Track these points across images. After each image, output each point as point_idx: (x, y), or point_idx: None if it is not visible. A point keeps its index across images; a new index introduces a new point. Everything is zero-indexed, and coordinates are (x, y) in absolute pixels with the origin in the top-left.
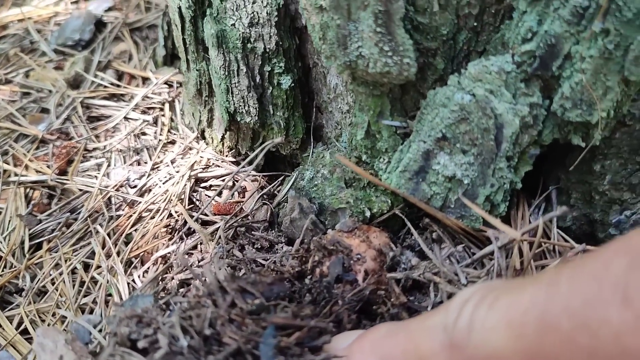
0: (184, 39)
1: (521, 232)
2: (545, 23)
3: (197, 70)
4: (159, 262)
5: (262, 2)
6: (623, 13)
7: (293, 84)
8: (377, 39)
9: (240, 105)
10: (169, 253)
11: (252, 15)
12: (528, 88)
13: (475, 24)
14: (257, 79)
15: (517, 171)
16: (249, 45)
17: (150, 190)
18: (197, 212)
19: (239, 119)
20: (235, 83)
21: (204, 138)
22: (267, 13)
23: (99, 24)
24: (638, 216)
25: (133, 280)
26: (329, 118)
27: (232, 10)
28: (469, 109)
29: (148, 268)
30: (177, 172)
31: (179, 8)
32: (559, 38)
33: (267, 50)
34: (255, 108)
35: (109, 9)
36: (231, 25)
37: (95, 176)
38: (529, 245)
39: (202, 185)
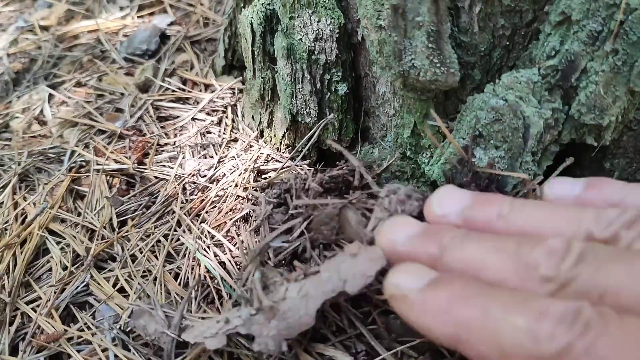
0: (252, 50)
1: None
2: (566, 43)
3: (262, 77)
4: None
5: (326, 20)
6: (629, 36)
7: (347, 91)
8: (428, 52)
9: (302, 108)
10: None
11: (317, 31)
12: (551, 96)
13: (507, 42)
14: (318, 85)
15: (539, 165)
16: (313, 57)
17: (218, 180)
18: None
19: (299, 119)
20: (299, 88)
21: (262, 137)
22: (330, 30)
23: (163, 36)
24: None
25: (219, 247)
26: (375, 121)
27: (300, 27)
28: (502, 111)
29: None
30: (242, 164)
31: (251, 24)
32: (577, 55)
33: (328, 61)
34: (315, 110)
35: (171, 23)
36: (299, 39)
37: (170, 167)
38: None
39: (263, 176)
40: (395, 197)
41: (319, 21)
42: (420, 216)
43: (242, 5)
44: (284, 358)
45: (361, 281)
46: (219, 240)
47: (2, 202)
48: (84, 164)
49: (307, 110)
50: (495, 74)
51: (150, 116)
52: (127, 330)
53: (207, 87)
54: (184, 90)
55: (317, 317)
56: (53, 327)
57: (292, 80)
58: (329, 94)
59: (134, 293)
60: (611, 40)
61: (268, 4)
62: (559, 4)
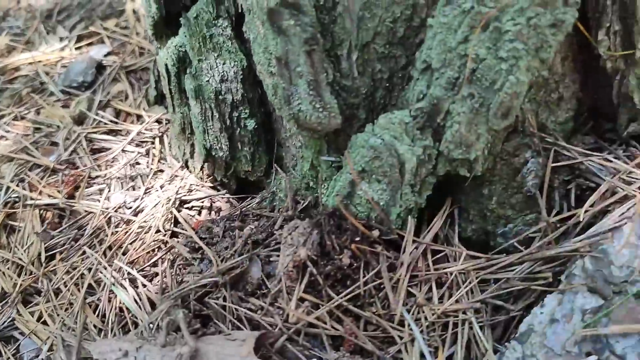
0: (169, 89)
1: (428, 239)
2: (431, 88)
3: (181, 112)
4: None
5: (230, 63)
6: (482, 82)
7: (256, 126)
8: (310, 99)
9: (214, 143)
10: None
11: (222, 73)
12: (422, 134)
13: (387, 84)
14: (228, 122)
15: (420, 195)
16: (220, 97)
17: (142, 210)
18: (182, 229)
19: (214, 153)
20: (210, 126)
21: (187, 167)
22: (234, 72)
23: (100, 67)
24: (518, 228)
25: (133, 280)
26: (287, 151)
27: (207, 69)
28: (380, 149)
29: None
30: (166, 196)
31: (166, 64)
32: (440, 99)
33: (235, 100)
34: (227, 145)
35: (108, 54)
36: (206, 81)
37: (98, 200)
38: (431, 250)
39: (186, 206)
40: (296, 233)
41: (224, 64)
42: (321, 244)
43: (159, 46)
44: None
45: None
46: (134, 276)
47: None
48: (17, 199)
49: (219, 145)
50: (381, 112)
51: (84, 149)
52: None
53: (138, 118)
54: (116, 122)
55: None
56: None
57: (203, 118)
58: (239, 129)
59: (56, 326)
60: (466, 85)
61: (181, 47)
62: (422, 53)
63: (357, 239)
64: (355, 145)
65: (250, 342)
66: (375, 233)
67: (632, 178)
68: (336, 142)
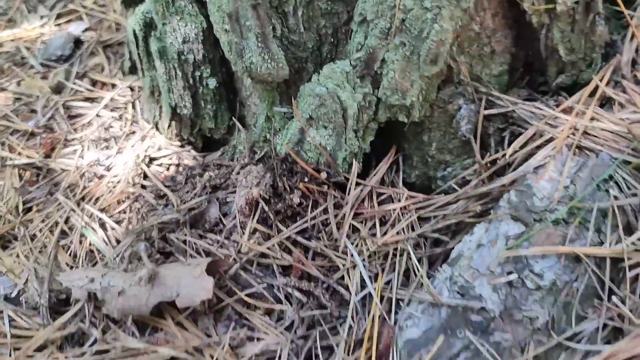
0: (138, 53)
1: (373, 182)
2: (367, 38)
3: (149, 76)
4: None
5: (191, 25)
6: (411, 31)
7: (218, 85)
8: (259, 51)
9: (179, 101)
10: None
11: (184, 35)
12: (362, 82)
13: (332, 39)
14: (190, 81)
15: (364, 140)
16: (182, 57)
17: (114, 166)
18: (151, 182)
19: (179, 111)
20: (174, 85)
21: (157, 129)
22: (195, 34)
23: (78, 42)
24: (456, 171)
25: (102, 224)
26: (248, 110)
27: (170, 31)
28: (324, 97)
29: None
30: (136, 153)
31: (134, 30)
32: (375, 48)
33: (197, 60)
34: (190, 103)
35: (86, 30)
36: (170, 43)
37: (73, 158)
38: (377, 192)
39: (155, 162)
40: (251, 176)
41: (185, 26)
42: (273, 186)
43: (127, 14)
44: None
45: (188, 302)
46: (104, 220)
47: None
48: None
49: (184, 103)
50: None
51: (61, 115)
52: (20, 298)
53: (113, 86)
54: (92, 91)
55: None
56: None
57: (168, 77)
58: (201, 87)
59: (30, 264)
60: (397, 35)
61: (147, 13)
62: (358, 6)
63: (307, 180)
64: (303, 95)
65: (203, 265)
66: (323, 175)
67: (558, 122)
68: (288, 94)
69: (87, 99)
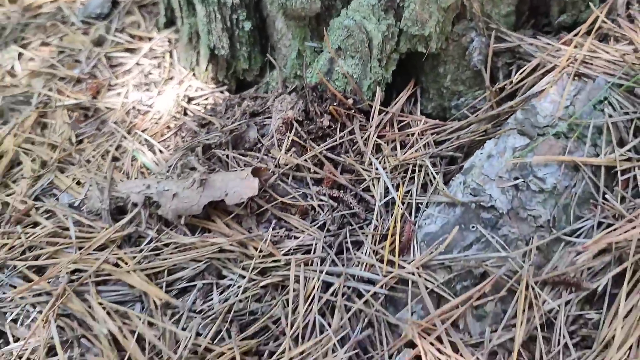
0: (179, 2)
1: (394, 109)
2: None
3: (188, 23)
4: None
5: None
6: None
7: (252, 28)
8: None
9: (217, 43)
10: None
11: None
12: (386, 14)
13: None
14: (228, 23)
15: (387, 70)
16: (221, 1)
17: (156, 105)
18: (192, 114)
19: (216, 52)
20: (213, 27)
21: (194, 74)
22: None
23: (115, 2)
24: (468, 101)
25: (151, 148)
26: (278, 53)
27: None
28: (352, 28)
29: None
30: (175, 94)
31: None
32: None
33: (234, 3)
34: (227, 44)
35: None
36: None
37: (118, 99)
38: (397, 120)
39: (193, 102)
40: (285, 102)
41: None
42: (305, 111)
43: None
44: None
45: (237, 200)
46: (152, 144)
47: None
48: (48, 101)
49: (222, 44)
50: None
51: (103, 64)
52: (82, 207)
53: (150, 39)
54: (131, 42)
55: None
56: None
57: (207, 20)
58: (237, 30)
59: (89, 184)
60: None
61: None
62: None
63: (335, 104)
64: (332, 28)
65: (248, 170)
66: (350, 101)
67: (559, 54)
68: (318, 30)
69: (126, 50)
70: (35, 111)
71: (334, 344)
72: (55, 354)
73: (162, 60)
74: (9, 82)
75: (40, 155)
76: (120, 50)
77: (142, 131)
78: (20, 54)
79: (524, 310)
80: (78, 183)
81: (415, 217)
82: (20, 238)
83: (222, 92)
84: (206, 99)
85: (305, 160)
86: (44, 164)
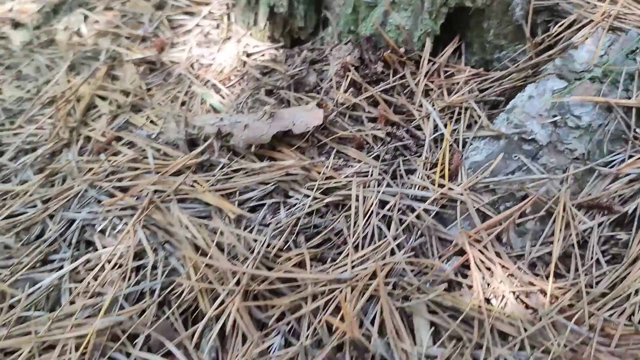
0: None
1: (441, 60)
2: None
3: None
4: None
5: None
6: None
7: None
8: None
9: (277, 1)
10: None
11: None
12: None
13: None
14: None
15: (436, 22)
16: None
17: (218, 58)
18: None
19: (275, 10)
20: None
21: (250, 34)
22: None
23: None
24: (509, 54)
25: (218, 92)
26: (332, 12)
27: None
28: None
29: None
30: (235, 50)
31: None
32: None
33: None
34: (287, 2)
35: None
36: None
37: (181, 54)
38: (443, 70)
39: (252, 58)
40: (342, 50)
41: None
42: (361, 58)
43: None
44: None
45: (303, 129)
46: (220, 88)
47: (58, 80)
48: (116, 56)
49: (281, 2)
50: None
51: (165, 25)
52: (158, 140)
53: (207, 4)
54: (190, 5)
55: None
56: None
57: None
58: None
59: (163, 122)
60: None
61: None
62: None
63: (389, 52)
64: None
65: (313, 104)
66: (402, 50)
67: (594, 10)
68: None
69: (186, 13)
70: (105, 64)
71: (392, 249)
72: (140, 259)
73: (220, 22)
74: (76, 41)
75: (115, 99)
76: (180, 13)
77: (208, 79)
78: (85, 17)
79: (560, 229)
80: (152, 122)
81: (462, 150)
82: (103, 164)
83: (277, 49)
84: (263, 55)
85: (361, 100)
86: (118, 106)
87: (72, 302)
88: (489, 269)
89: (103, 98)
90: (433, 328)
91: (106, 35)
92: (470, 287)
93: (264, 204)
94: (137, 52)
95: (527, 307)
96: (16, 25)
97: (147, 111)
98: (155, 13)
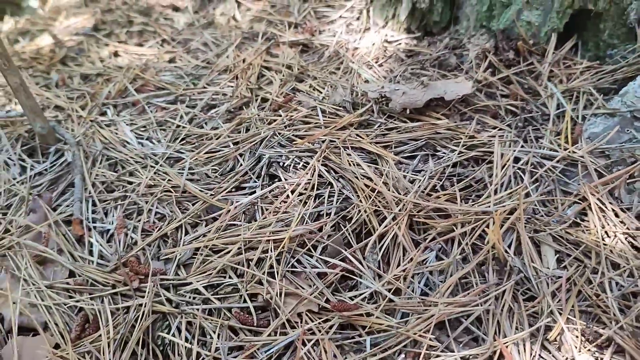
0: None
1: (562, 53)
2: None
3: None
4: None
5: None
6: None
7: None
8: None
9: None
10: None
11: None
12: None
13: None
14: None
15: (561, 21)
16: None
17: (363, 43)
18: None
19: (417, 5)
20: None
21: (388, 26)
22: None
23: None
24: (620, 52)
25: (371, 68)
26: (463, 11)
27: None
28: None
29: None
30: (376, 38)
31: None
32: None
33: None
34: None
35: None
36: None
37: (330, 39)
38: (562, 62)
39: (393, 44)
40: (479, 39)
41: None
42: (495, 46)
43: None
44: (396, 116)
45: (454, 96)
46: (371, 64)
47: (228, 54)
48: (272, 37)
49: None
50: None
51: (312, 15)
52: (325, 101)
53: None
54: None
55: (425, 104)
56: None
57: None
58: None
59: (326, 89)
60: None
61: None
62: None
63: (520, 42)
64: None
65: (462, 76)
66: (531, 42)
67: None
68: None
69: (329, 6)
70: (264, 44)
71: (528, 192)
72: (318, 189)
73: (360, 15)
74: (234, 25)
75: (280, 70)
76: (324, 6)
77: (359, 58)
78: (239, 4)
79: None
80: (314, 89)
81: (582, 123)
82: (282, 117)
83: (413, 39)
84: (400, 43)
85: (496, 80)
86: (283, 76)
87: (264, 218)
88: (604, 214)
89: (269, 69)
90: (557, 255)
91: (260, 21)
92: (587, 228)
93: (415, 156)
94: (290, 35)
95: (633, 246)
96: (176, 9)
97: (309, 81)
98: (302, 5)
